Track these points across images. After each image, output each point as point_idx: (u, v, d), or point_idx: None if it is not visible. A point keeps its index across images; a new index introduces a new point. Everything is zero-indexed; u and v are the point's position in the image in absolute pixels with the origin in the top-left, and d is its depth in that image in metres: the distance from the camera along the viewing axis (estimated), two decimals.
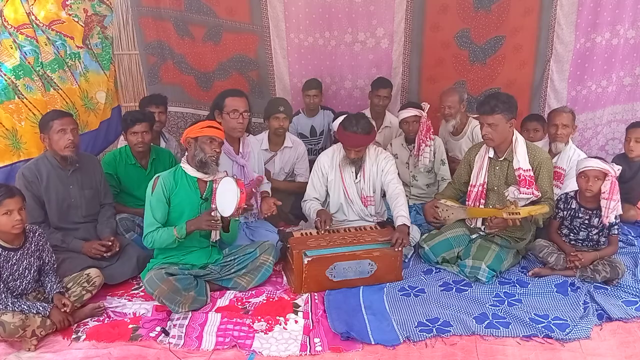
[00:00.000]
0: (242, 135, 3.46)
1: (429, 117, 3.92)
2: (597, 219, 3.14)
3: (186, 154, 3.07)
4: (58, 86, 3.83)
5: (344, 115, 3.65)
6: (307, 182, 4.04)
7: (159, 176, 3.01)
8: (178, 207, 3.01)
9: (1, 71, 3.45)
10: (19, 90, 3.52)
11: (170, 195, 2.99)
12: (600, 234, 3.17)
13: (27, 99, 3.56)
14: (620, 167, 3.11)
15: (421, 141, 3.90)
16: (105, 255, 3.17)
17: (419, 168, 4.02)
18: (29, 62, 3.62)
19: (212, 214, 2.95)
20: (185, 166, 3.03)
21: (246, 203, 3.34)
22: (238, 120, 3.33)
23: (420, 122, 3.92)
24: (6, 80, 3.45)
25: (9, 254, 2.63)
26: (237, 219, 3.13)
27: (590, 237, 3.19)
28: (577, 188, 3.22)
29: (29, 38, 3.64)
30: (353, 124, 3.33)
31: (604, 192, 3.02)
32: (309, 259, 2.99)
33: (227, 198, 2.90)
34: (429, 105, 3.95)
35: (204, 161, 2.96)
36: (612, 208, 3.03)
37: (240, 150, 3.46)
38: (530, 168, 3.18)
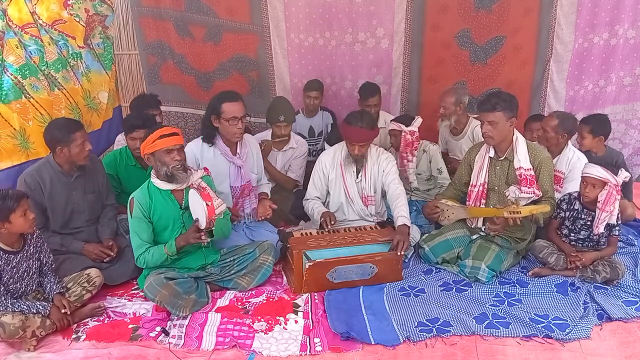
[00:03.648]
0: (242, 139, 3.43)
1: (413, 132, 3.85)
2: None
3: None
4: (62, 86, 3.83)
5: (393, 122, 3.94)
6: (296, 180, 4.11)
7: (133, 197, 2.94)
8: (160, 222, 2.97)
9: (8, 71, 3.44)
10: (26, 90, 3.51)
11: (148, 214, 2.93)
12: (601, 235, 3.16)
13: (33, 99, 3.56)
14: (629, 175, 3.08)
15: (401, 157, 3.92)
16: (104, 260, 3.16)
17: (410, 182, 3.99)
18: (34, 62, 3.61)
19: (196, 224, 2.90)
20: (155, 181, 2.95)
21: (233, 213, 3.32)
22: (237, 126, 3.27)
23: (400, 136, 3.92)
24: (13, 80, 3.45)
25: (9, 257, 2.63)
26: (226, 213, 3.09)
27: (591, 237, 3.18)
28: (578, 189, 3.21)
29: (34, 37, 3.64)
30: (357, 119, 3.36)
31: (599, 202, 3.02)
32: (310, 263, 2.98)
33: (198, 210, 2.86)
34: (421, 120, 3.91)
35: (169, 174, 2.88)
36: (602, 219, 3.02)
37: (238, 151, 3.45)
38: (531, 167, 3.17)
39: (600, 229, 3.04)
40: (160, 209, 2.95)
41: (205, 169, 3.11)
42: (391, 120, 4.11)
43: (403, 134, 3.88)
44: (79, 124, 3.19)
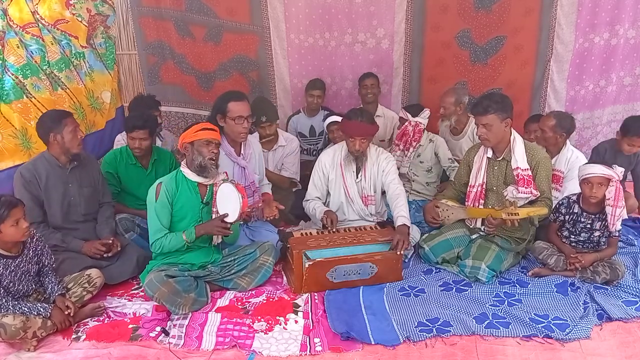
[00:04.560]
0: (246, 140, 3.44)
1: (417, 124, 3.95)
2: (599, 223, 3.12)
3: (185, 158, 3.05)
4: (66, 85, 3.83)
5: (334, 115, 3.98)
6: (290, 178, 4.11)
7: (161, 182, 2.99)
8: (180, 212, 3.01)
9: (9, 70, 3.45)
10: (27, 90, 3.51)
11: (172, 201, 2.98)
12: (601, 236, 3.16)
13: (35, 98, 3.56)
14: (623, 169, 3.08)
15: (394, 143, 3.98)
16: (105, 255, 3.16)
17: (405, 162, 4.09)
18: (35, 61, 3.61)
19: (222, 217, 2.96)
20: (185, 171, 3.02)
21: (249, 208, 3.35)
22: (243, 126, 3.28)
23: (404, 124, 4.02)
24: (14, 80, 3.45)
25: (7, 262, 2.61)
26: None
27: (592, 239, 3.18)
28: (577, 191, 3.20)
29: (35, 37, 3.64)
30: (357, 114, 3.40)
31: (609, 199, 3.00)
32: (310, 262, 2.98)
33: (229, 204, 2.91)
34: (428, 112, 4.00)
35: (203, 165, 2.95)
36: (617, 215, 3.01)
37: (242, 151, 3.45)
38: (529, 167, 3.17)
39: (617, 225, 3.04)
40: (183, 199, 3.00)
41: (225, 173, 3.13)
42: (402, 108, 4.21)
43: (406, 123, 3.94)
44: (69, 112, 3.23)
